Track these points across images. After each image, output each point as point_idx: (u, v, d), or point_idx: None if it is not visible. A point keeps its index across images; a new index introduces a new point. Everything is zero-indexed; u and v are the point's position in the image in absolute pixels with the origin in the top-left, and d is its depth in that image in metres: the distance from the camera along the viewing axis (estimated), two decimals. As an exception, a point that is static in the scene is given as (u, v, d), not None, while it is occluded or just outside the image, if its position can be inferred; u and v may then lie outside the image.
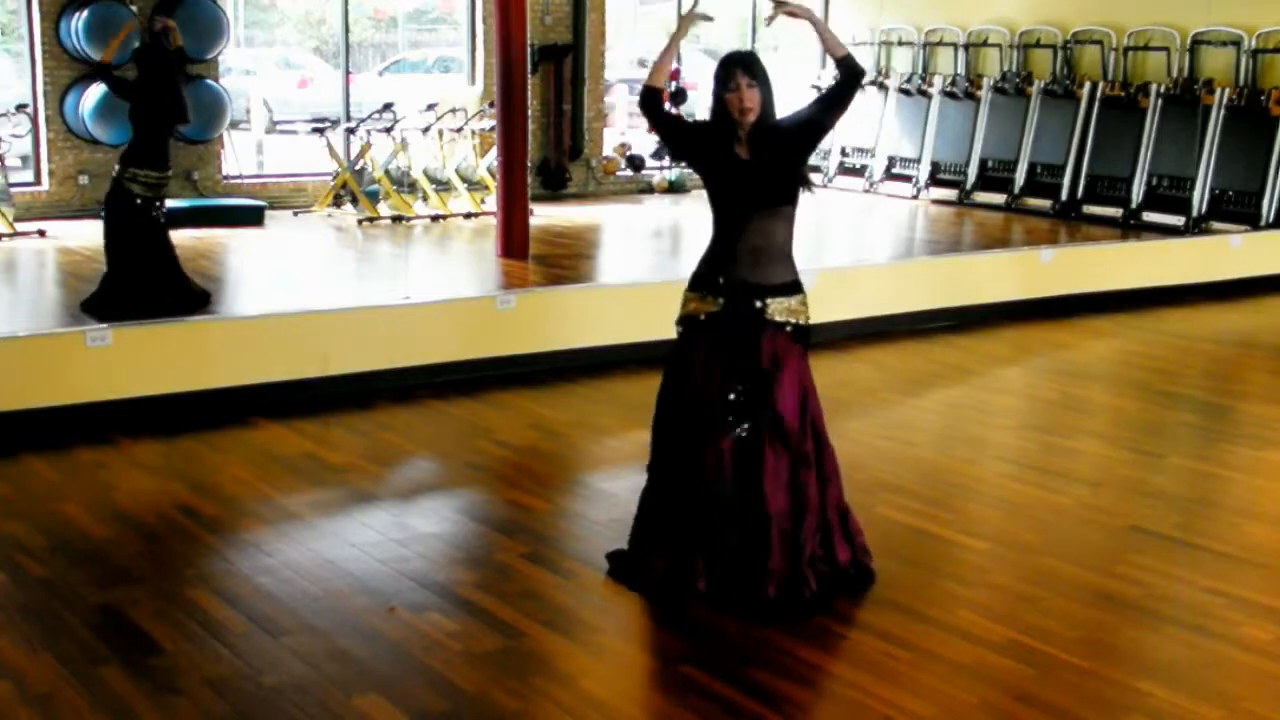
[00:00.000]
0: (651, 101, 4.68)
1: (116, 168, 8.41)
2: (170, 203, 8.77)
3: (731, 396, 4.49)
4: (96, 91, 11.98)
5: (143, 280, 8.36)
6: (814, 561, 4.56)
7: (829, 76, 16.75)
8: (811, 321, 4.62)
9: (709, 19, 4.83)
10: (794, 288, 4.57)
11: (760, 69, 4.49)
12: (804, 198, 4.60)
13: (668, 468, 4.64)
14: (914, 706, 3.82)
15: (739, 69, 4.46)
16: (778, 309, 4.51)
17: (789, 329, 4.53)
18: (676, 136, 4.81)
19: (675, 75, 15.62)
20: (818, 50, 17.05)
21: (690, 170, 15.51)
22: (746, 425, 4.49)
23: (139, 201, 8.33)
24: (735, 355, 4.51)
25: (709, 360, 4.54)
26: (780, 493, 4.49)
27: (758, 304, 4.50)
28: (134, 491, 5.67)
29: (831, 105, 4.59)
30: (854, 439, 6.31)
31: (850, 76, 4.53)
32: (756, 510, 4.47)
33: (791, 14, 4.67)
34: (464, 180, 13.50)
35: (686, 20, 4.84)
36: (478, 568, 4.95)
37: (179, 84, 8.46)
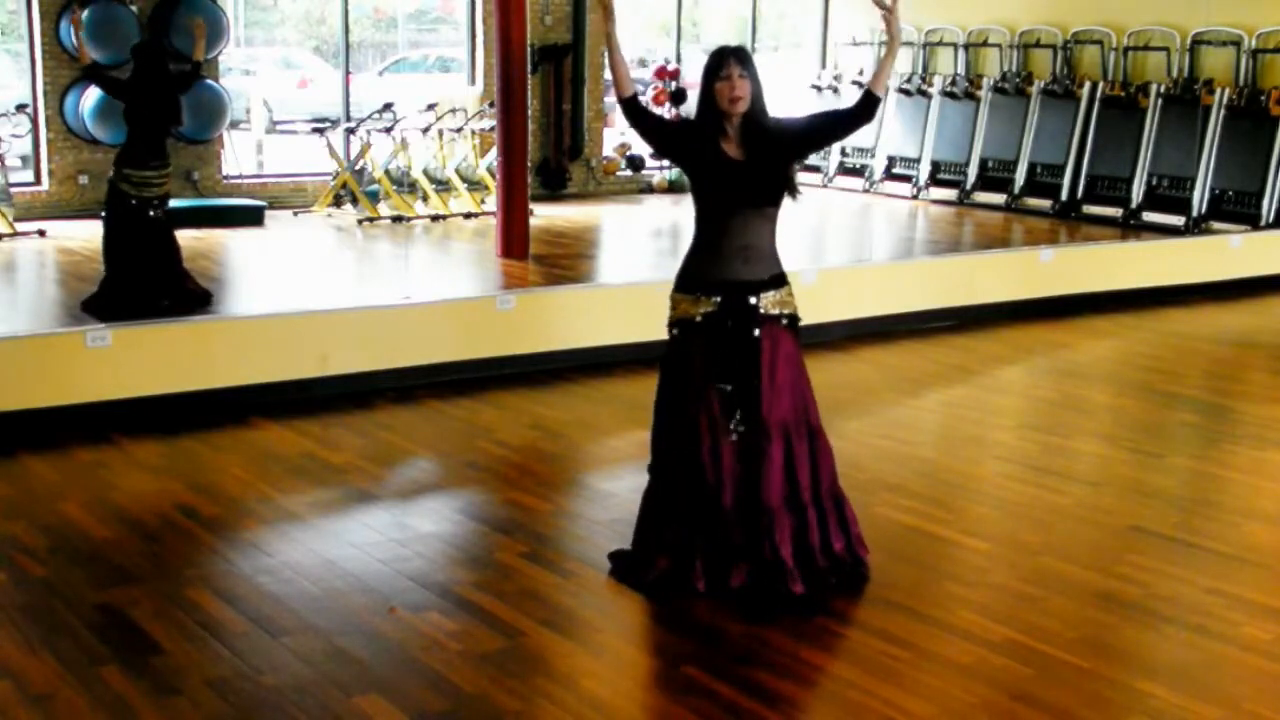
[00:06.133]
0: (629, 109, 4.63)
1: (113, 169, 8.42)
2: (170, 202, 8.75)
3: (728, 388, 4.50)
4: (96, 91, 11.97)
5: (141, 281, 8.36)
6: (826, 552, 4.60)
7: (828, 76, 16.76)
8: (802, 316, 4.68)
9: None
10: (781, 280, 4.62)
11: (752, 63, 4.52)
12: (787, 202, 4.61)
13: (668, 469, 4.65)
14: (914, 706, 3.82)
15: (732, 58, 4.49)
16: (770, 302, 4.56)
17: (784, 320, 4.58)
18: (662, 137, 4.76)
19: (675, 74, 15.63)
20: (817, 50, 17.06)
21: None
22: (738, 425, 4.50)
23: (134, 202, 8.32)
24: (732, 353, 4.52)
25: (707, 360, 4.55)
26: (781, 488, 4.52)
27: (752, 300, 4.52)
28: (134, 491, 5.67)
29: (841, 126, 4.72)
30: (854, 439, 6.31)
31: (871, 110, 4.61)
32: (761, 508, 4.49)
33: (888, 16, 4.63)
34: (464, 180, 13.50)
35: (605, 11, 4.62)
36: (478, 568, 4.95)
37: (174, 84, 8.46)
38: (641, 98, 4.82)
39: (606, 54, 4.69)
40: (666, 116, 4.64)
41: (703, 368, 4.55)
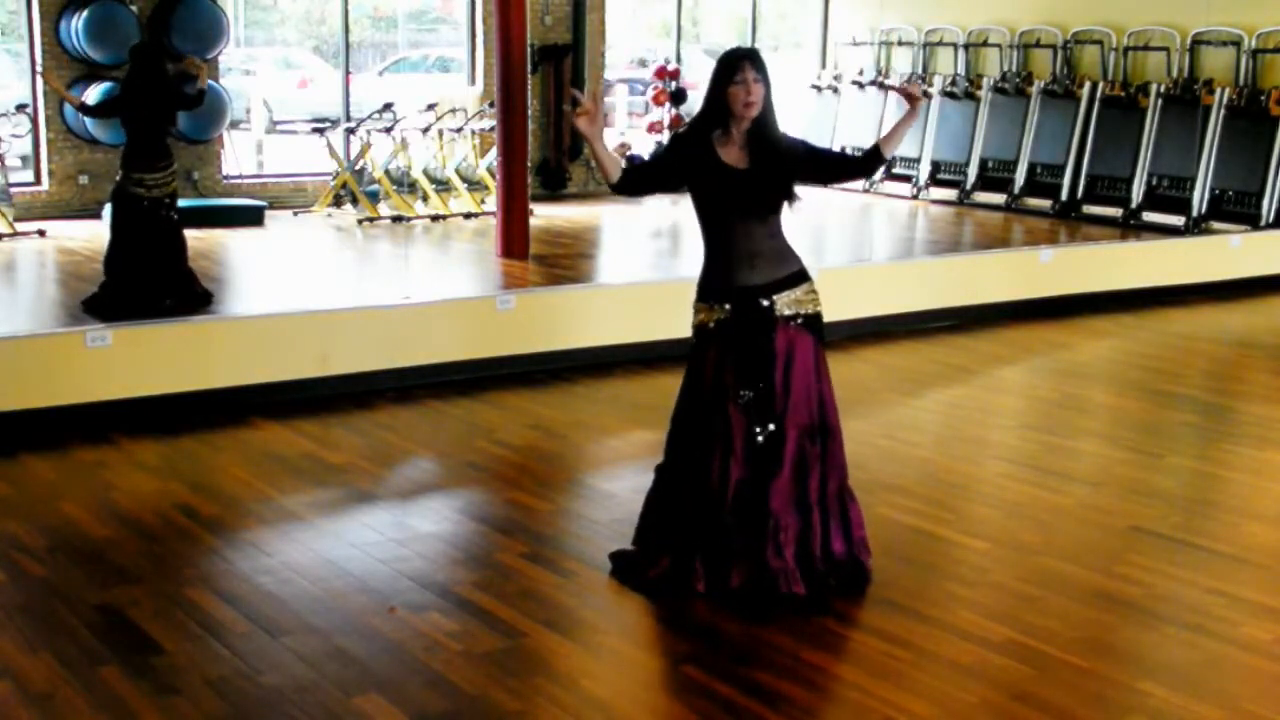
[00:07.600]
0: (623, 186, 4.52)
1: (120, 172, 8.44)
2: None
3: (743, 396, 4.49)
4: (96, 91, 11.98)
5: (145, 281, 8.37)
6: (826, 555, 4.59)
7: (828, 76, 16.73)
8: (821, 309, 4.61)
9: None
10: (798, 278, 4.57)
11: (765, 67, 4.49)
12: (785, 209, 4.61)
13: (676, 471, 4.64)
14: (914, 706, 3.82)
15: (747, 62, 4.44)
16: (784, 303, 4.53)
17: (799, 320, 4.54)
18: (665, 173, 4.66)
19: (675, 74, 15.62)
20: (817, 50, 17.05)
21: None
22: (763, 429, 4.49)
23: (145, 204, 8.35)
24: (747, 358, 4.51)
25: (720, 367, 4.53)
26: (790, 492, 4.51)
27: (764, 303, 4.51)
28: (134, 491, 5.67)
29: (845, 173, 4.98)
30: (854, 439, 6.27)
31: (873, 169, 4.73)
32: (766, 512, 4.48)
33: (910, 97, 4.65)
34: (464, 180, 13.50)
35: (589, 124, 4.43)
36: (478, 568, 4.95)
37: (172, 86, 8.49)
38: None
39: (591, 154, 4.60)
40: (656, 151, 4.53)
41: (716, 376, 4.53)
